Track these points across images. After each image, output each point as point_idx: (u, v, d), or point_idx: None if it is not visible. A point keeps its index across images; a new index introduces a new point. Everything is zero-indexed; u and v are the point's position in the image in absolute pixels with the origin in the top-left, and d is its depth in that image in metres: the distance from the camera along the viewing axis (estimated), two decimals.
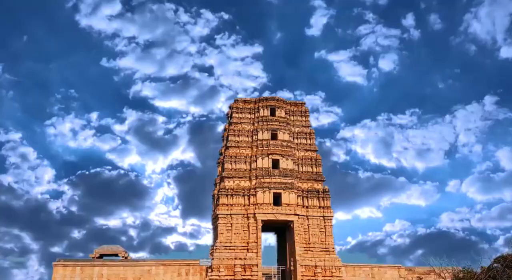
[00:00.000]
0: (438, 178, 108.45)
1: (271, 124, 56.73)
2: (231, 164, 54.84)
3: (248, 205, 52.39)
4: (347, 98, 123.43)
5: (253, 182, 53.57)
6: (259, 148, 55.40)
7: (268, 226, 54.80)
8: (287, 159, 54.92)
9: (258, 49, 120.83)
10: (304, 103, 60.75)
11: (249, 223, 51.49)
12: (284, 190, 52.92)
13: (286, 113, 58.86)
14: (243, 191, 53.17)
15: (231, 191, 53.00)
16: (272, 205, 52.08)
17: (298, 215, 52.02)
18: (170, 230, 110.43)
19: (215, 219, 53.75)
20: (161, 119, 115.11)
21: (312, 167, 56.40)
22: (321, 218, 53.35)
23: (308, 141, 58.12)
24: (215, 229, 53.94)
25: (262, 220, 51.35)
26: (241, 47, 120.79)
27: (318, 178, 55.58)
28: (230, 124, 57.74)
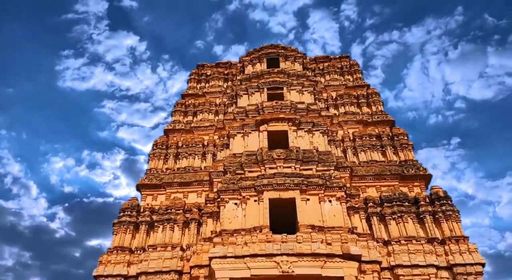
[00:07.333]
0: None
1: (269, 78, 24.24)
2: (160, 159, 21.42)
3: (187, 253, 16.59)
4: None
5: (217, 186, 18.72)
6: (237, 120, 21.99)
7: None
8: (308, 132, 20.64)
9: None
10: (348, 56, 28.18)
11: None
12: (303, 192, 17.26)
13: (305, 68, 26.53)
14: (180, 214, 18.11)
15: (148, 217, 18.23)
16: (268, 235, 15.92)
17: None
18: None
19: None
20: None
21: (387, 153, 20.99)
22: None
23: (366, 108, 23.85)
24: None
25: None
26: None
27: (410, 173, 19.56)
28: (182, 97, 25.95)
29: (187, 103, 24.88)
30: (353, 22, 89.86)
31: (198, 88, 26.41)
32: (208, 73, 27.34)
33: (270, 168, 18.58)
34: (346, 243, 15.61)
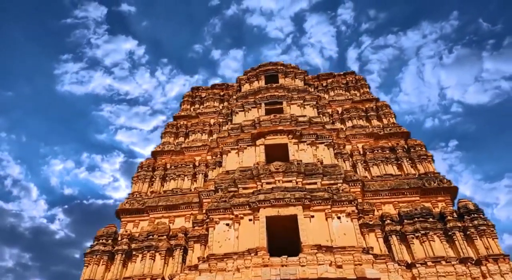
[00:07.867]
0: None
1: (267, 93, 22.14)
2: (145, 182, 18.93)
3: None
4: None
5: (206, 206, 16.08)
6: (231, 136, 19.65)
7: None
8: (311, 145, 18.21)
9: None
10: (354, 72, 26.09)
11: None
12: (306, 208, 14.54)
13: (306, 85, 24.45)
14: (163, 240, 15.37)
15: (126, 245, 15.52)
16: (265, 258, 13.08)
17: None
18: None
19: None
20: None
21: (404, 166, 18.29)
22: None
23: (377, 122, 21.42)
24: None
25: None
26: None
27: (432, 187, 16.77)
28: (174, 119, 23.83)
29: (178, 124, 22.71)
30: (349, 27, 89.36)
31: (192, 109, 24.33)
32: (203, 95, 25.35)
33: (267, 183, 15.98)
34: (361, 265, 12.72)
